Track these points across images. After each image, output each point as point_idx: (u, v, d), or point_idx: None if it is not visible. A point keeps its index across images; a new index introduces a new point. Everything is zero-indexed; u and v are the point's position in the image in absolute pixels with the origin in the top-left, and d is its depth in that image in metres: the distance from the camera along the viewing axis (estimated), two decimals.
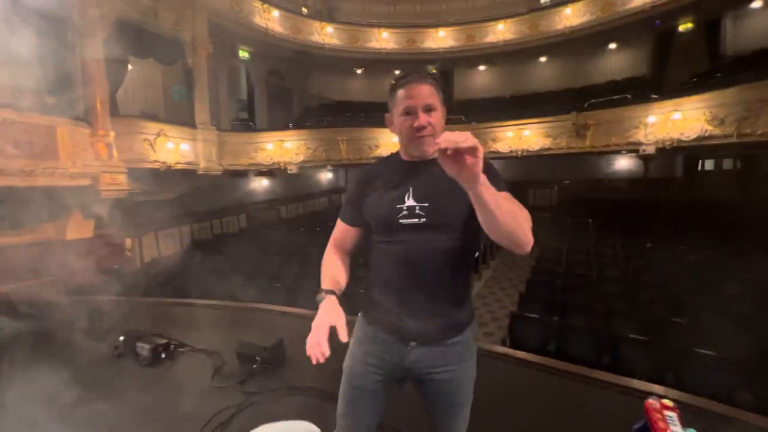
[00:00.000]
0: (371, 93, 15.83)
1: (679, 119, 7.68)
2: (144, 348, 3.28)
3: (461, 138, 0.79)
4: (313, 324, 1.05)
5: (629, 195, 11.33)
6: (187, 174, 8.99)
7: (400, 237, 1.13)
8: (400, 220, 1.12)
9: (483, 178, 0.85)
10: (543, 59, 14.31)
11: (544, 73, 14.61)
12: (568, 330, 3.98)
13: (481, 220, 0.91)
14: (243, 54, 11.87)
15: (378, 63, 14.53)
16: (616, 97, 9.76)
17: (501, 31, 12.86)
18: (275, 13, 11.11)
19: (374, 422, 1.23)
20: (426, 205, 1.11)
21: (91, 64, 6.90)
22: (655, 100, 8.24)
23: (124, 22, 7.43)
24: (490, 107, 13.23)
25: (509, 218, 0.89)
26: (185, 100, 9.17)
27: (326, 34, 12.56)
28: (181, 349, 3.00)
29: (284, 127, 11.20)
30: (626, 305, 4.65)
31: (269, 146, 10.08)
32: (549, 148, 9.96)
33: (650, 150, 8.22)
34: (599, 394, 2.25)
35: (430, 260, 1.11)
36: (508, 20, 12.77)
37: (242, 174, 10.83)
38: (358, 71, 15.97)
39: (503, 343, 4.13)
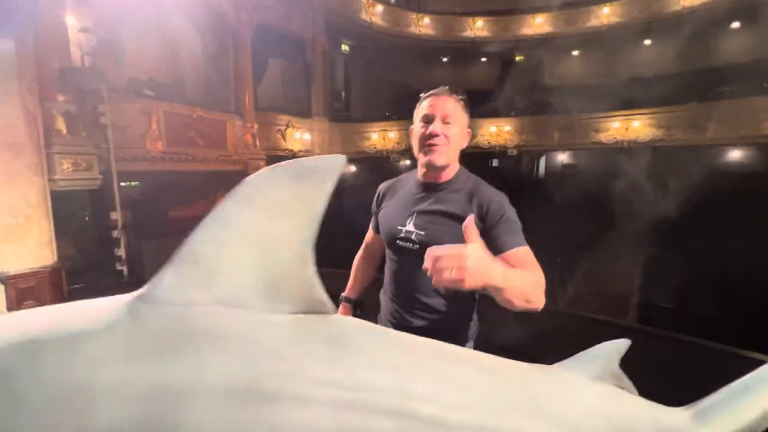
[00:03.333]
0: (457, 81, 15.93)
1: None
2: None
3: (445, 271, 0.70)
4: None
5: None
6: None
7: (396, 256, 1.21)
8: (398, 241, 1.18)
9: (491, 277, 0.75)
10: (647, 42, 13.38)
11: (649, 56, 13.64)
12: None
13: (492, 294, 0.85)
14: (345, 47, 12.67)
15: (464, 51, 14.60)
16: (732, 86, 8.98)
17: (606, 15, 12.26)
18: (379, 8, 11.69)
19: None
20: (422, 233, 1.13)
21: (243, 64, 8.01)
22: None
23: (264, 26, 8.46)
24: (586, 94, 12.74)
25: (520, 298, 0.84)
26: (305, 94, 10.18)
27: (423, 25, 12.91)
28: None
29: (383, 117, 11.90)
30: None
31: (374, 136, 10.85)
32: (661, 140, 9.54)
33: None
34: None
35: (417, 284, 1.15)
36: (615, 3, 12.11)
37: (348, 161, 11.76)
38: (444, 59, 16.13)
39: None
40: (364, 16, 11.34)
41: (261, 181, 0.63)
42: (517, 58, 15.31)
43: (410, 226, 1.15)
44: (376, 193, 1.34)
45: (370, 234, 1.43)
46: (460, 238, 0.95)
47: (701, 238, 7.95)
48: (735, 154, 9.01)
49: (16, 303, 4.23)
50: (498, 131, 11.24)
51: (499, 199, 1.11)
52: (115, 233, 5.57)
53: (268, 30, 8.58)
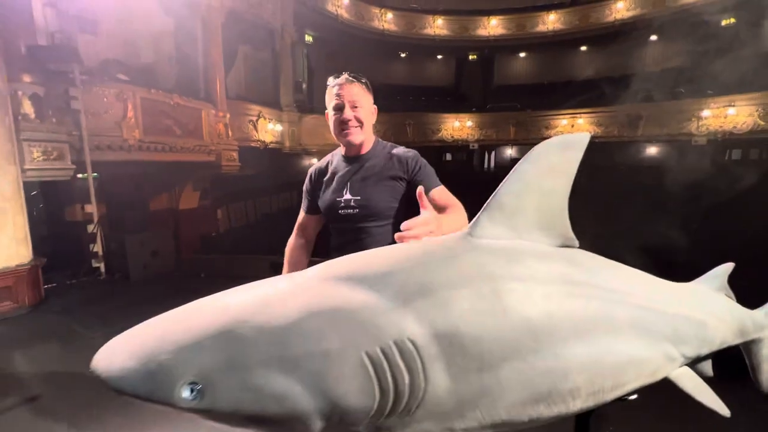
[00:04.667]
0: (414, 77, 16.42)
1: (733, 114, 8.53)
2: None
3: (421, 234, 0.86)
4: None
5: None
6: (274, 152, 9.87)
7: (340, 225, 1.34)
8: (339, 211, 1.32)
9: (443, 229, 0.93)
10: (584, 48, 14.88)
11: (584, 61, 15.17)
12: None
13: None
14: (308, 38, 12.51)
15: (423, 48, 15.10)
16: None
17: (551, 21, 13.43)
18: (345, 0, 11.71)
19: None
20: (359, 198, 1.30)
21: (213, 51, 7.66)
22: (711, 95, 9.03)
23: (235, 12, 8.15)
24: (533, 93, 13.92)
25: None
26: (273, 84, 9.95)
27: (386, 20, 13.14)
28: None
29: None
30: None
31: None
32: (600, 136, 10.79)
33: (702, 141, 9.09)
34: None
35: (363, 244, 1.27)
36: (560, 11, 13.32)
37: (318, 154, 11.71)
38: (402, 55, 16.51)
39: None
40: (331, 7, 11.30)
41: (543, 149, 0.89)
42: (471, 57, 16.19)
43: (347, 195, 1.31)
44: (308, 175, 1.45)
45: (302, 216, 1.49)
46: (389, 193, 1.28)
47: (636, 224, 9.24)
48: (660, 149, 10.56)
49: None
50: (461, 126, 11.90)
51: (413, 155, 1.35)
52: (91, 228, 5.17)
53: (239, 17, 8.28)
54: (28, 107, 4.46)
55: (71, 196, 6.08)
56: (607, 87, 12.87)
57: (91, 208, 5.16)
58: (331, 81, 1.32)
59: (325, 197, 1.36)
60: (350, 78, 1.29)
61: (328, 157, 1.45)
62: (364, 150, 1.35)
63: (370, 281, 0.72)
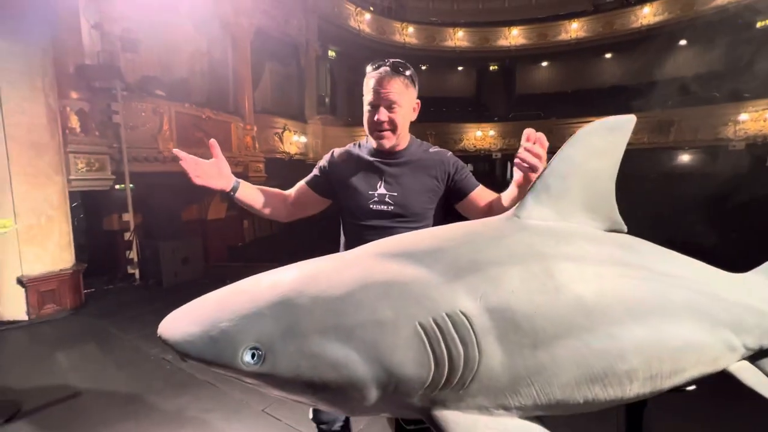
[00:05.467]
0: (435, 88, 16.54)
1: None
2: None
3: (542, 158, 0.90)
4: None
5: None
6: (298, 164, 10.09)
7: (368, 220, 1.22)
8: (371, 205, 1.21)
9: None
10: (608, 55, 14.63)
11: (609, 68, 14.89)
12: None
13: (511, 202, 1.09)
14: (331, 53, 12.87)
15: (444, 60, 15.23)
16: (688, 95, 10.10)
17: (574, 30, 13.31)
18: (367, 16, 12.03)
19: None
20: (395, 194, 1.21)
21: (242, 67, 8.00)
22: (748, 98, 8.66)
23: (263, 30, 8.51)
24: (557, 101, 13.74)
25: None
26: (298, 98, 10.26)
27: (407, 34, 13.38)
28: None
29: None
30: None
31: None
32: (628, 143, 10.47)
33: (740, 146, 8.69)
34: None
35: None
36: (582, 18, 13.20)
37: None
38: (423, 67, 16.71)
39: None
40: (353, 23, 11.64)
41: (588, 131, 0.88)
42: (492, 67, 16.21)
43: (381, 189, 1.21)
44: (330, 154, 1.33)
45: (300, 184, 1.36)
46: (427, 193, 1.22)
47: (663, 232, 8.83)
48: (693, 156, 10.14)
49: (37, 307, 4.05)
50: (483, 135, 11.86)
51: (450, 155, 1.30)
52: (127, 235, 5.41)
53: (266, 34, 8.64)
54: (74, 122, 4.77)
55: (109, 206, 6.40)
56: (634, 93, 12.56)
57: (129, 217, 5.40)
58: (370, 69, 1.18)
59: (351, 185, 1.23)
60: (392, 71, 1.13)
61: (353, 147, 1.31)
62: (400, 147, 1.25)
63: (420, 257, 0.73)
